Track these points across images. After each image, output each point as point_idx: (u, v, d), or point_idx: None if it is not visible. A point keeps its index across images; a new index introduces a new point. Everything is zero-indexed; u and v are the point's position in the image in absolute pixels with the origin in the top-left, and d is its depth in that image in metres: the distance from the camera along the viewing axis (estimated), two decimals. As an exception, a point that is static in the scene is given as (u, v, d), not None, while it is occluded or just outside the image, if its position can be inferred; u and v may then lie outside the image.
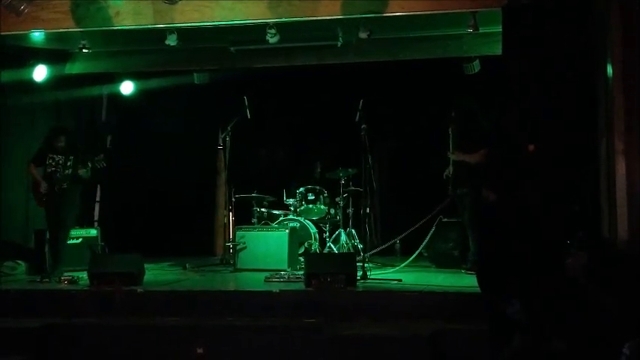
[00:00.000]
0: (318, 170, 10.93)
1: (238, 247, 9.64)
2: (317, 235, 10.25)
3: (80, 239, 9.92)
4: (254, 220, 10.37)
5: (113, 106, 12.34)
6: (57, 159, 8.90)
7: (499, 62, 7.60)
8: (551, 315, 4.89)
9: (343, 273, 7.58)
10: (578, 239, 5.65)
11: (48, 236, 9.15)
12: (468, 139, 8.76)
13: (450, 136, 8.95)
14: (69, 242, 9.43)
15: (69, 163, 8.91)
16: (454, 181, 8.91)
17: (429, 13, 7.95)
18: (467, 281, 7.78)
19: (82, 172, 8.85)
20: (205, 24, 8.23)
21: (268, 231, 9.82)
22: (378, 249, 10.69)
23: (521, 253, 5.58)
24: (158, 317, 7.20)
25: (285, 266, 9.26)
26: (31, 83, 10.29)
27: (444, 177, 9.05)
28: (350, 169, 10.31)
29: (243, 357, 6.57)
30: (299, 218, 10.27)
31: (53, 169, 8.87)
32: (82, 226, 10.32)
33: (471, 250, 8.84)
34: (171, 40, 8.85)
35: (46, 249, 9.16)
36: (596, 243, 5.98)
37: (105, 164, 8.94)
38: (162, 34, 8.82)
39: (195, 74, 11.48)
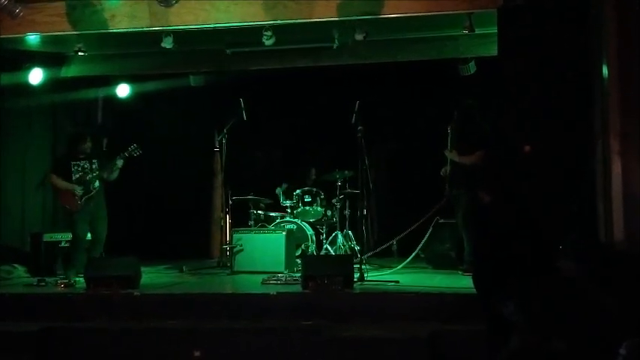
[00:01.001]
0: (313, 177, 10.94)
1: (235, 250, 9.64)
2: (314, 237, 10.24)
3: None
4: (251, 223, 10.36)
5: (109, 108, 12.32)
6: (82, 164, 8.94)
7: (495, 63, 7.61)
8: (550, 315, 4.89)
9: (340, 275, 7.58)
10: (570, 241, 5.67)
11: (71, 241, 9.19)
12: (465, 140, 8.76)
13: (449, 135, 8.95)
14: (65, 245, 9.47)
15: (94, 166, 8.99)
16: (451, 182, 8.93)
17: (424, 14, 7.94)
18: (464, 282, 7.77)
19: (106, 174, 9.00)
20: (201, 26, 8.22)
21: (265, 233, 9.83)
22: (375, 250, 10.67)
23: (518, 253, 5.58)
24: (155, 320, 7.19)
25: (282, 268, 9.26)
26: (27, 86, 10.29)
27: (441, 174, 9.05)
28: (346, 171, 10.32)
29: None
30: (296, 220, 10.26)
31: (81, 174, 8.90)
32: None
33: (466, 251, 8.84)
34: (167, 43, 8.86)
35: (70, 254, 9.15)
36: (593, 244, 5.99)
37: (141, 152, 9.10)
38: (157, 36, 8.82)
39: (191, 76, 11.46)
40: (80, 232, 8.98)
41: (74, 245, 9.05)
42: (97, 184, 8.97)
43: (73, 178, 8.90)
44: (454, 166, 8.87)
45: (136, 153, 9.07)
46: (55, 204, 10.86)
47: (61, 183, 8.92)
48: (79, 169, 8.93)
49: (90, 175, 8.92)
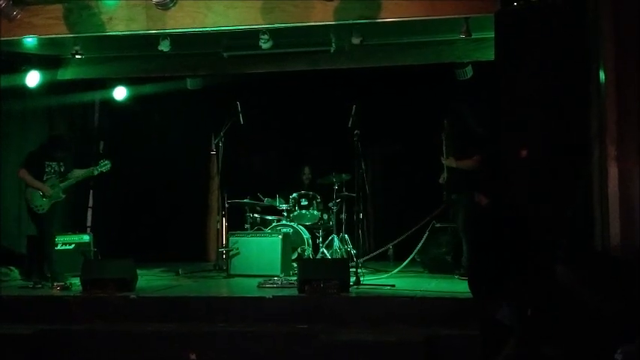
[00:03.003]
0: (305, 175, 10.94)
1: (231, 253, 9.64)
2: (310, 241, 10.23)
3: (73, 245, 9.91)
4: (247, 226, 10.35)
5: (106, 111, 12.32)
6: (53, 165, 9.02)
7: (492, 67, 7.62)
8: (545, 320, 4.90)
9: (336, 278, 7.58)
10: (562, 247, 5.68)
11: (45, 243, 9.11)
12: (461, 145, 8.75)
13: (443, 141, 8.95)
14: (62, 248, 9.49)
15: (62, 169, 9.06)
16: (448, 187, 8.90)
17: (421, 18, 7.95)
18: (460, 286, 7.78)
19: (98, 170, 9.25)
20: (198, 30, 8.22)
21: (261, 236, 9.82)
22: (372, 255, 10.66)
23: (513, 258, 5.58)
24: (151, 323, 7.19)
25: (278, 272, 9.25)
26: (24, 89, 10.28)
27: (440, 182, 9.05)
28: (343, 175, 10.32)
29: (236, 363, 6.58)
30: (292, 224, 10.25)
31: (52, 175, 8.93)
32: (74, 231, 10.32)
33: (464, 255, 8.83)
34: (164, 46, 8.87)
35: (47, 256, 9.11)
36: (588, 249, 6.00)
37: (109, 167, 9.32)
38: (155, 39, 8.83)
39: (188, 80, 11.46)
40: (50, 229, 9.04)
41: (47, 244, 9.05)
42: (62, 192, 9.04)
43: (45, 177, 8.95)
44: (452, 172, 8.85)
45: (105, 169, 9.34)
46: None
47: (32, 181, 8.93)
48: (51, 170, 9.01)
49: (58, 179, 8.99)
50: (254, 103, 10.78)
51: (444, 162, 8.91)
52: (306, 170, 11.05)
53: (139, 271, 8.49)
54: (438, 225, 9.64)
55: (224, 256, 9.98)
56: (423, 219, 9.76)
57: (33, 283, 8.73)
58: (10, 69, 9.91)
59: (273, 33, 8.60)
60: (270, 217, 10.60)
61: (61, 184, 9.00)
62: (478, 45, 9.51)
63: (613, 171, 5.97)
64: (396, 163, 11.72)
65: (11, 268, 9.67)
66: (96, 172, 9.29)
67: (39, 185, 8.88)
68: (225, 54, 9.97)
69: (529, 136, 6.54)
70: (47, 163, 9.02)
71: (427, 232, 9.59)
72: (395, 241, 10.35)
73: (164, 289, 8.53)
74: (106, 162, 9.30)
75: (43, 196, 8.86)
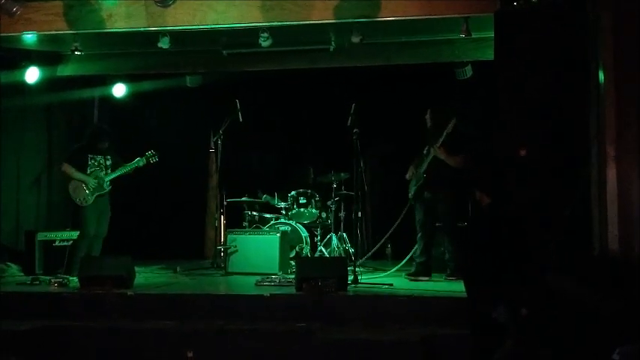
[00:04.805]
0: (312, 176, 10.93)
1: (229, 251, 9.63)
2: (308, 239, 10.23)
3: (70, 242, 9.88)
4: (245, 224, 10.35)
5: (105, 108, 12.29)
6: (98, 159, 9.11)
7: (491, 67, 7.61)
8: (543, 319, 4.90)
9: (334, 277, 7.57)
10: (554, 252, 5.68)
11: (78, 236, 9.25)
12: (452, 141, 8.62)
13: (430, 132, 8.85)
14: (60, 245, 9.49)
15: (108, 163, 9.17)
16: (428, 184, 8.75)
17: (421, 17, 7.95)
18: (457, 286, 7.77)
19: (143, 161, 9.40)
20: (198, 27, 8.22)
21: (259, 234, 9.81)
22: (370, 254, 10.64)
23: (512, 257, 5.59)
24: (148, 320, 7.17)
25: (276, 270, 9.25)
26: (23, 85, 10.27)
27: (407, 177, 9.00)
28: (342, 173, 10.31)
29: (234, 361, 6.57)
30: (290, 222, 10.25)
31: (96, 168, 8.99)
32: (73, 228, 10.33)
33: (447, 256, 8.77)
34: (164, 43, 8.86)
35: (75, 252, 9.20)
36: (586, 250, 6.00)
37: (157, 159, 9.48)
38: (154, 36, 8.83)
39: (187, 77, 11.46)
40: (90, 229, 9.09)
41: (81, 242, 9.09)
42: (108, 184, 9.13)
43: (88, 171, 8.98)
44: (433, 168, 8.71)
45: (153, 160, 9.43)
46: (50, 202, 10.87)
47: (75, 173, 8.99)
48: (95, 162, 9.07)
49: (103, 172, 9.05)
50: (253, 101, 10.79)
51: (435, 152, 8.66)
52: (311, 170, 11.05)
53: (136, 269, 8.50)
54: (437, 224, 9.61)
55: (222, 254, 9.97)
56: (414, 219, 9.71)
57: (31, 279, 8.73)
58: (9, 65, 9.90)
59: (273, 31, 8.59)
60: (268, 215, 10.60)
61: (105, 177, 9.04)
62: (478, 44, 9.51)
63: (611, 171, 5.98)
64: (396, 161, 11.69)
65: (9, 264, 9.68)
66: (142, 164, 9.38)
67: (81, 177, 8.96)
68: (224, 52, 9.97)
69: (528, 135, 6.55)
70: (91, 156, 9.12)
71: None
72: (382, 241, 10.25)
73: (162, 286, 8.53)
74: (153, 153, 9.42)
75: (87, 188, 8.90)
